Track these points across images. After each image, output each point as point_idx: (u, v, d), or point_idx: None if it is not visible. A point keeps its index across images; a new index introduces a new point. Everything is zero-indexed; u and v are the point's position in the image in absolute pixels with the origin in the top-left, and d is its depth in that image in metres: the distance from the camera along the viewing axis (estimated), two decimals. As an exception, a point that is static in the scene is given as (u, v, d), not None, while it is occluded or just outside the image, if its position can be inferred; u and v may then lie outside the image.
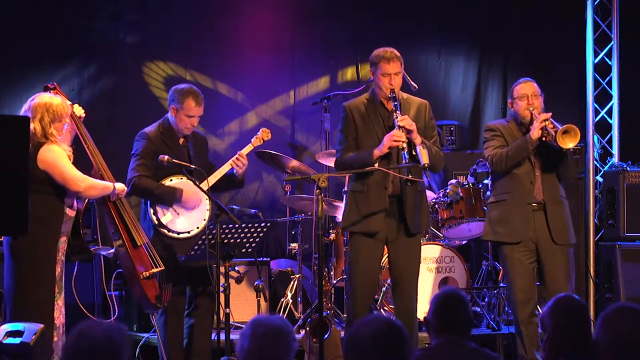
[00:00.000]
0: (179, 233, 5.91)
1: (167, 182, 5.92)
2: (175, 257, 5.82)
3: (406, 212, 5.67)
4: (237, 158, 6.02)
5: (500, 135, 6.04)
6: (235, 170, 6.05)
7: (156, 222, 5.89)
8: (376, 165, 5.58)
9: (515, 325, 6.07)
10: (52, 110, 5.28)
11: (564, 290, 5.76)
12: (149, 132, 6.01)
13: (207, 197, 5.87)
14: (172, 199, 5.89)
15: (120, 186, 5.56)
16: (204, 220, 5.93)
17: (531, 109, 5.95)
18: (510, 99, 6.11)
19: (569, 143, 5.78)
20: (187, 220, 5.94)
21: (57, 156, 5.27)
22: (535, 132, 5.82)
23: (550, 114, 5.91)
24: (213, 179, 5.96)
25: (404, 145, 5.51)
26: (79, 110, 5.58)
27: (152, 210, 5.90)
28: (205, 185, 5.84)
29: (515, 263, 5.99)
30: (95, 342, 3.00)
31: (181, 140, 6.04)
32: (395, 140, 5.52)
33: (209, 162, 6.18)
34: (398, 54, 5.70)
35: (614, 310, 3.33)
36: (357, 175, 5.76)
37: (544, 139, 5.86)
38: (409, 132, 5.53)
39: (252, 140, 6.19)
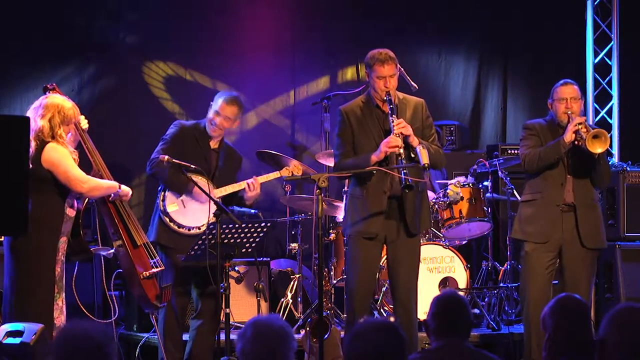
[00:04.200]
0: (179, 226, 5.94)
1: None
2: (175, 250, 5.84)
3: (406, 213, 5.66)
4: (251, 182, 6.06)
5: (536, 135, 6.05)
6: (245, 194, 6.07)
7: (162, 208, 5.96)
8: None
9: (525, 324, 6.08)
10: (64, 112, 5.32)
11: (583, 294, 5.78)
12: (184, 124, 6.14)
13: (208, 196, 5.87)
14: (184, 187, 5.94)
15: (125, 189, 5.56)
16: (207, 222, 5.93)
17: (569, 112, 5.95)
18: (550, 99, 6.09)
19: (598, 148, 5.80)
20: (192, 216, 5.96)
21: (61, 156, 5.27)
22: (568, 135, 5.83)
23: (584, 117, 5.93)
24: (224, 191, 6.01)
25: (401, 151, 5.47)
26: (84, 123, 5.59)
27: (162, 195, 5.97)
28: (220, 192, 5.92)
29: (535, 262, 6.01)
30: (85, 342, 2.99)
31: (212, 144, 6.07)
32: (391, 146, 5.49)
33: (234, 178, 6.17)
34: (393, 55, 5.62)
35: (623, 310, 3.28)
36: (356, 180, 5.72)
37: (577, 142, 5.86)
38: (405, 136, 5.51)
39: (281, 170, 6.24)
